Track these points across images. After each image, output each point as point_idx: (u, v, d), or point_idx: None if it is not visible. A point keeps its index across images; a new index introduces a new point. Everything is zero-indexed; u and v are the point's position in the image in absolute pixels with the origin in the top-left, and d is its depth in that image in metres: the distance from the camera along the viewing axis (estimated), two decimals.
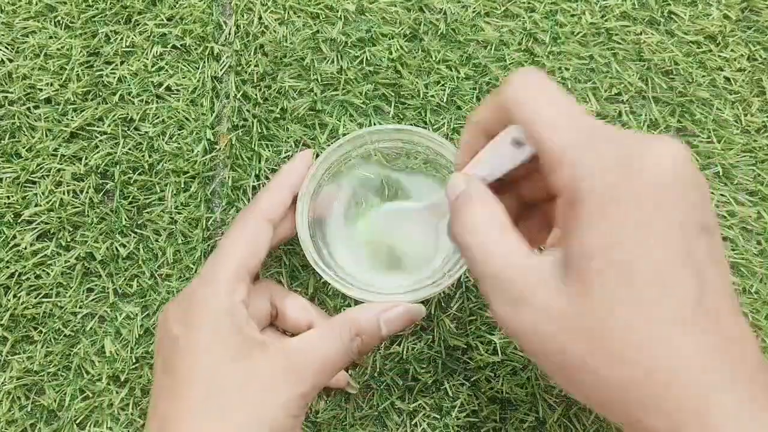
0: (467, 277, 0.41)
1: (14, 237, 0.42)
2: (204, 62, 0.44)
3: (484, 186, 0.28)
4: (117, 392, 0.40)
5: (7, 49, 0.45)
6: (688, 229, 0.22)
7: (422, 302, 0.35)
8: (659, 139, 0.23)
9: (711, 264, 0.22)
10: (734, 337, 0.22)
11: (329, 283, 0.35)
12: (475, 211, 0.27)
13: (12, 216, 0.42)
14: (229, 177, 0.42)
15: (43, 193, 0.42)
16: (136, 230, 0.42)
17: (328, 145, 0.43)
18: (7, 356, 0.40)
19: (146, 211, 0.42)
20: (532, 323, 0.24)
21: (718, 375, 0.21)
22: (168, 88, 0.44)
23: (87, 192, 0.42)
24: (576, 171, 0.23)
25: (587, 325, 0.22)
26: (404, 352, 0.40)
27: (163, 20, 0.45)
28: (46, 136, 0.43)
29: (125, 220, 0.42)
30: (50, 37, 0.45)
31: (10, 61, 0.44)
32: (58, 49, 0.44)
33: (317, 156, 0.38)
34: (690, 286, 0.22)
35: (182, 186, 0.42)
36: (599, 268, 0.22)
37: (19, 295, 0.41)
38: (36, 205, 0.42)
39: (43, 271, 0.41)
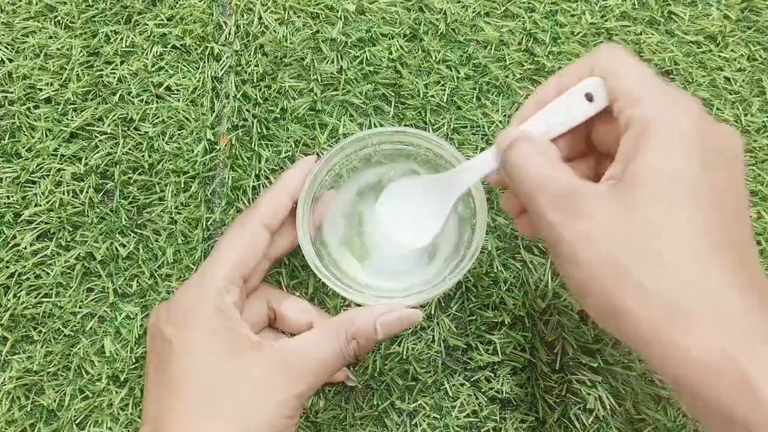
0: (467, 277, 0.41)
1: (14, 237, 0.42)
2: (204, 62, 0.44)
3: (536, 133, 0.31)
4: (117, 392, 0.40)
5: (7, 49, 0.45)
6: (731, 175, 0.27)
7: (422, 304, 0.35)
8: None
9: (746, 202, 0.27)
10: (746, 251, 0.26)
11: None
12: (532, 148, 0.30)
13: (12, 216, 0.42)
14: (229, 177, 0.42)
15: (43, 193, 0.42)
16: (136, 230, 0.42)
17: (329, 145, 0.43)
18: (7, 356, 0.40)
19: (146, 211, 0.42)
20: (585, 230, 0.26)
21: (759, 310, 0.24)
22: (168, 88, 0.44)
23: (87, 192, 0.42)
24: (649, 108, 0.27)
25: (640, 243, 0.25)
26: (404, 352, 0.40)
27: (163, 20, 0.45)
28: (46, 136, 0.43)
29: (125, 220, 0.42)
30: (50, 37, 0.45)
31: (10, 61, 0.44)
32: (58, 49, 0.44)
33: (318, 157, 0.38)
34: (731, 224, 0.25)
35: (182, 186, 0.42)
36: (655, 189, 0.25)
37: (19, 295, 0.41)
38: (36, 205, 0.42)
39: (43, 271, 0.41)
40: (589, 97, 0.30)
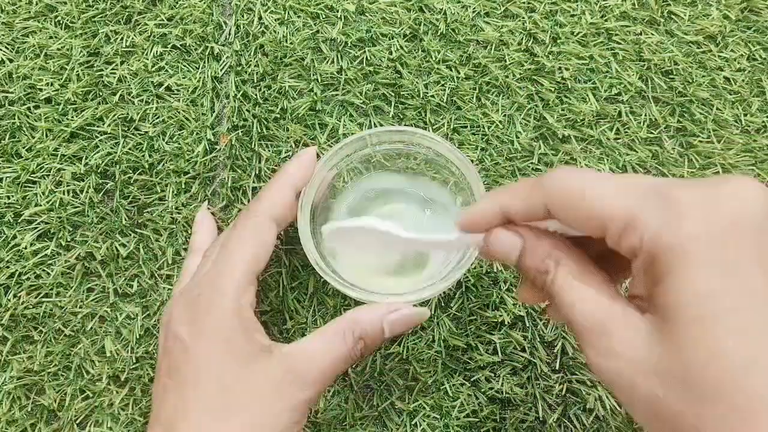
0: (467, 276, 0.41)
1: (14, 237, 0.42)
2: (204, 62, 0.44)
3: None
4: (117, 392, 0.40)
5: (8, 49, 0.45)
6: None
7: (423, 302, 0.35)
8: (727, 180, 0.22)
9: None
10: None
11: (330, 283, 0.35)
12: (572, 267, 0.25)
13: (12, 216, 0.42)
14: (229, 177, 0.42)
15: (43, 193, 0.42)
16: (136, 230, 0.42)
17: (329, 145, 0.43)
18: (7, 356, 0.40)
19: (146, 211, 0.42)
20: (628, 375, 0.23)
21: None
22: (168, 88, 0.44)
23: (87, 192, 0.42)
24: (647, 231, 0.22)
25: (684, 376, 0.21)
26: (404, 352, 0.40)
27: (163, 20, 0.45)
28: (46, 136, 0.43)
29: (125, 219, 0.42)
30: (50, 37, 0.45)
31: (11, 61, 0.44)
32: (58, 49, 0.44)
33: (318, 155, 0.38)
34: None
35: (182, 186, 0.42)
36: (695, 317, 0.21)
37: (19, 295, 0.41)
38: (36, 205, 0.42)
39: (43, 271, 0.41)
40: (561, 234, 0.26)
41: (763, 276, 0.21)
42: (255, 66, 0.44)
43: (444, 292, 0.41)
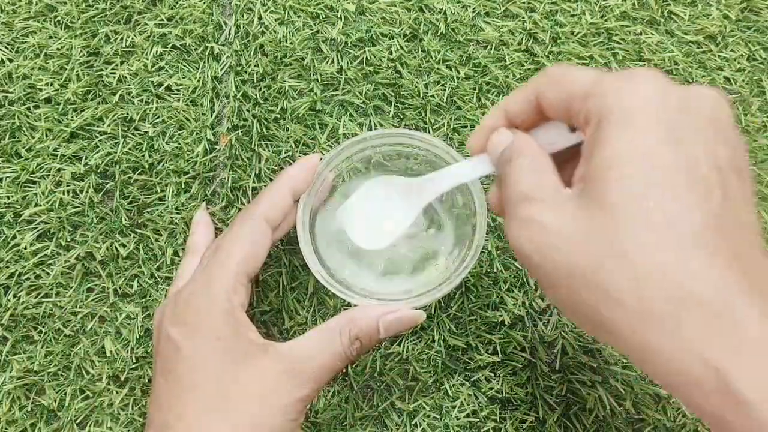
0: (467, 277, 0.41)
1: (14, 237, 0.42)
2: (204, 62, 0.44)
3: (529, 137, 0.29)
4: (117, 392, 0.40)
5: (7, 49, 0.45)
6: (707, 139, 0.23)
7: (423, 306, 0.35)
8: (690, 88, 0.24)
9: (732, 172, 0.23)
10: (750, 259, 0.22)
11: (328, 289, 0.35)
12: (530, 162, 0.27)
13: (12, 216, 0.42)
14: (228, 177, 0.42)
15: (43, 193, 0.42)
16: (136, 230, 0.42)
17: (329, 145, 0.43)
18: (7, 356, 0.40)
19: (146, 211, 0.42)
20: (547, 245, 0.24)
21: (750, 306, 0.20)
22: (168, 88, 0.44)
23: (87, 192, 0.42)
24: (600, 95, 0.24)
25: (607, 249, 0.22)
26: (404, 352, 0.40)
27: (163, 20, 0.45)
28: (46, 136, 0.43)
29: (125, 220, 0.42)
30: (50, 37, 0.45)
31: (10, 61, 0.44)
32: (58, 49, 0.44)
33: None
34: (709, 201, 0.22)
35: (182, 186, 0.42)
36: (618, 179, 0.22)
37: (19, 295, 0.41)
38: (36, 205, 0.42)
39: (43, 271, 0.41)
40: (573, 128, 0.28)
41: (697, 148, 0.22)
42: (255, 66, 0.44)
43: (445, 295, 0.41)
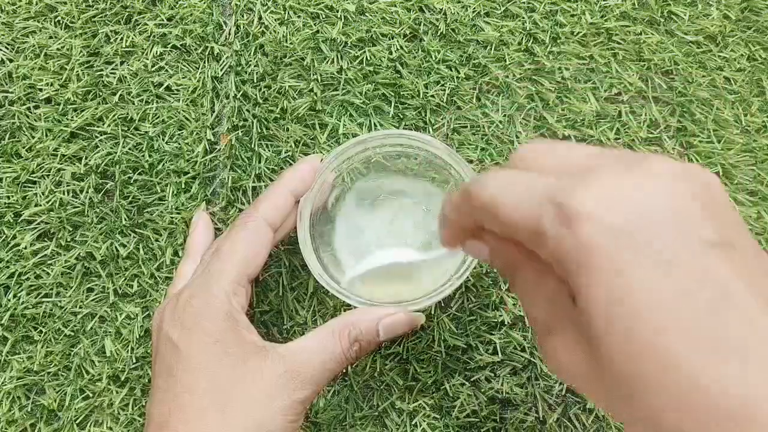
0: (467, 277, 0.41)
1: (14, 237, 0.42)
2: (204, 62, 0.44)
3: None
4: (117, 392, 0.40)
5: (7, 49, 0.45)
6: (690, 250, 0.19)
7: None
8: (631, 169, 0.20)
9: (734, 278, 0.19)
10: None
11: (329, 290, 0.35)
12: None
13: (12, 216, 0.42)
14: (228, 177, 0.42)
15: (43, 193, 0.42)
16: (136, 230, 0.42)
17: (329, 146, 0.43)
18: (7, 356, 0.40)
19: (146, 211, 0.42)
20: (572, 378, 0.22)
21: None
22: (168, 88, 0.44)
23: (87, 192, 0.42)
24: (550, 242, 0.20)
25: (608, 388, 0.20)
26: (404, 352, 0.40)
27: (163, 20, 0.45)
28: (46, 136, 0.43)
29: (125, 220, 0.42)
30: (50, 37, 0.45)
31: (10, 61, 0.44)
32: (58, 49, 0.44)
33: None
34: (708, 320, 0.18)
35: (182, 186, 0.42)
36: (602, 328, 0.20)
37: (19, 295, 0.41)
38: (36, 205, 0.42)
39: (43, 271, 0.41)
40: None
41: (657, 268, 0.19)
42: (255, 66, 0.44)
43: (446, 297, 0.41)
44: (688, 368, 0.18)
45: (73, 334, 0.41)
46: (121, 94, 0.44)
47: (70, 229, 0.42)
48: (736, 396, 0.18)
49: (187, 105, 0.43)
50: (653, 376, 0.19)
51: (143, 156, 0.43)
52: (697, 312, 0.18)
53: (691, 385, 0.18)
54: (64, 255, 0.42)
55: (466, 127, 0.43)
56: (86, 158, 0.43)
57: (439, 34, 0.45)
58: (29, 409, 0.40)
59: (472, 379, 0.40)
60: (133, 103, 0.44)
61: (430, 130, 0.43)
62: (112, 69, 0.44)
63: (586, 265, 0.19)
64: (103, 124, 0.43)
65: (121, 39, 0.45)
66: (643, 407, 0.19)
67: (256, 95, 0.43)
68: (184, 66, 0.44)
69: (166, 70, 0.44)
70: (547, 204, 0.20)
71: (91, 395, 0.40)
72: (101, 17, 0.45)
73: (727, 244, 0.19)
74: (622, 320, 0.19)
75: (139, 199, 0.42)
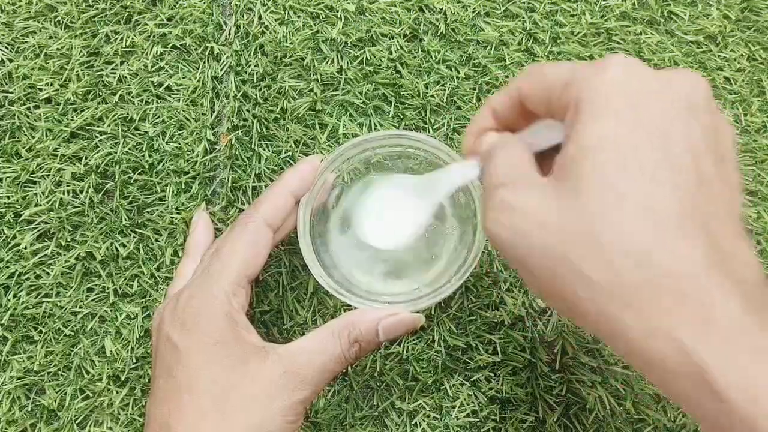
0: (467, 278, 0.41)
1: (14, 237, 0.42)
2: (204, 62, 0.44)
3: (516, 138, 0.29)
4: (117, 392, 0.40)
5: (7, 49, 0.45)
6: (681, 123, 0.23)
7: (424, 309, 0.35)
8: (670, 71, 0.24)
9: (712, 162, 0.23)
10: (731, 252, 0.22)
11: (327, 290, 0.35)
12: (510, 153, 0.27)
13: (12, 216, 0.42)
14: (228, 177, 0.42)
15: (43, 193, 0.42)
16: (136, 230, 0.42)
17: (329, 146, 0.43)
18: (7, 356, 0.40)
19: (146, 211, 0.42)
20: (521, 228, 0.24)
21: (720, 287, 0.20)
22: (168, 88, 0.44)
23: (87, 192, 0.42)
24: (575, 83, 0.24)
25: (580, 230, 0.22)
26: (404, 352, 0.40)
27: (163, 20, 0.45)
28: (46, 136, 0.43)
29: (125, 220, 0.42)
30: (50, 37, 0.45)
31: (10, 61, 0.44)
32: (58, 49, 0.44)
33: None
34: (681, 185, 0.22)
35: (182, 186, 0.42)
36: (592, 166, 0.22)
37: (19, 295, 0.41)
38: (36, 205, 0.42)
39: (43, 271, 0.41)
40: (554, 126, 0.28)
41: (675, 135, 0.22)
42: (255, 66, 0.44)
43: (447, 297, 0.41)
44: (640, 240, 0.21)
45: (73, 334, 0.41)
46: (121, 94, 0.44)
47: (70, 229, 0.42)
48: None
49: (187, 105, 0.43)
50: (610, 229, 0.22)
51: (143, 156, 0.43)
52: (679, 186, 0.22)
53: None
54: (64, 255, 0.42)
55: (466, 127, 0.43)
56: (86, 158, 0.43)
57: (439, 34, 0.45)
58: (29, 409, 0.40)
59: (472, 379, 0.40)
60: (133, 103, 0.44)
61: (430, 130, 0.43)
62: (112, 69, 0.44)
63: (603, 100, 0.23)
64: (103, 124, 0.43)
65: (121, 39, 0.45)
66: (603, 245, 0.22)
67: (256, 95, 0.43)
68: (184, 66, 0.44)
69: (166, 70, 0.44)
70: (580, 66, 0.25)
71: (91, 395, 0.40)
72: (101, 17, 0.45)
73: (712, 152, 0.23)
74: (603, 165, 0.22)
75: (139, 199, 0.42)
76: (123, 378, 0.40)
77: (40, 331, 0.41)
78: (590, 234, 0.22)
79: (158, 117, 0.43)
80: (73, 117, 0.43)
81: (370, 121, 0.43)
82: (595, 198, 0.22)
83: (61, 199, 0.42)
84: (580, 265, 0.22)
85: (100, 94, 0.44)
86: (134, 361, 0.40)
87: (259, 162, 0.43)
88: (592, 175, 0.22)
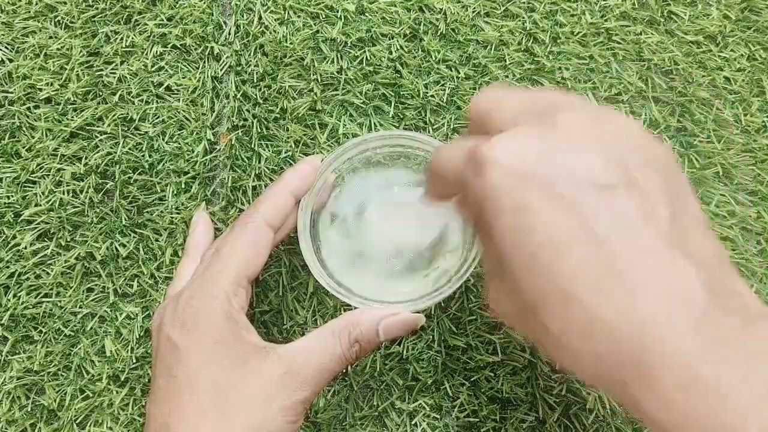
0: (467, 278, 0.41)
1: (14, 237, 0.42)
2: (204, 62, 0.44)
3: None
4: (117, 392, 0.40)
5: (7, 49, 0.45)
6: (590, 191, 0.22)
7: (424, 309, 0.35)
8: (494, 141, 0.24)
9: (634, 212, 0.21)
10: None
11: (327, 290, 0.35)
12: None
13: (12, 216, 0.42)
14: (228, 177, 0.42)
15: (43, 193, 0.42)
16: (136, 230, 0.42)
17: (329, 146, 0.43)
18: (7, 356, 0.40)
19: (146, 211, 0.42)
20: (510, 316, 0.26)
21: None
22: (168, 88, 0.44)
23: (87, 192, 0.42)
24: (470, 192, 0.25)
25: (532, 318, 0.23)
26: (404, 352, 0.40)
27: (163, 20, 0.45)
28: (46, 136, 0.43)
29: (125, 220, 0.42)
30: (50, 37, 0.45)
31: (10, 61, 0.44)
32: (58, 49, 0.44)
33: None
34: (601, 251, 0.21)
35: (182, 186, 0.42)
36: (509, 255, 0.23)
37: (19, 295, 0.41)
38: (36, 205, 0.42)
39: (43, 271, 0.41)
40: None
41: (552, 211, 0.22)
42: (255, 66, 0.44)
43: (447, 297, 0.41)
44: (582, 298, 0.21)
45: (73, 334, 0.41)
46: (121, 94, 0.44)
47: (70, 229, 0.42)
48: (629, 323, 0.20)
49: (187, 105, 0.43)
50: (557, 307, 0.22)
51: (143, 156, 0.43)
52: (592, 244, 0.21)
53: (588, 314, 0.21)
54: (64, 255, 0.42)
55: (466, 127, 0.43)
56: (86, 158, 0.43)
57: (439, 34, 0.45)
58: (29, 409, 0.40)
59: (472, 379, 0.40)
60: (133, 103, 0.44)
61: (430, 130, 0.43)
62: (112, 69, 0.44)
63: (493, 204, 0.23)
64: (103, 124, 0.43)
65: (121, 39, 0.45)
66: (552, 332, 0.22)
67: (256, 95, 0.43)
68: (184, 66, 0.44)
69: (166, 70, 0.44)
70: (468, 159, 0.24)
71: (91, 395, 0.40)
72: (101, 17, 0.45)
73: (629, 184, 0.22)
74: (526, 247, 0.22)
75: (139, 199, 0.42)
76: (123, 378, 0.40)
77: (40, 331, 0.41)
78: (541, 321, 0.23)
79: (158, 117, 0.43)
80: (73, 117, 0.43)
81: (370, 121, 0.43)
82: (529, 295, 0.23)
83: (61, 199, 0.42)
84: (564, 343, 0.22)
85: (100, 94, 0.44)
86: (134, 361, 0.40)
87: (259, 162, 0.43)
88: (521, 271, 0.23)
